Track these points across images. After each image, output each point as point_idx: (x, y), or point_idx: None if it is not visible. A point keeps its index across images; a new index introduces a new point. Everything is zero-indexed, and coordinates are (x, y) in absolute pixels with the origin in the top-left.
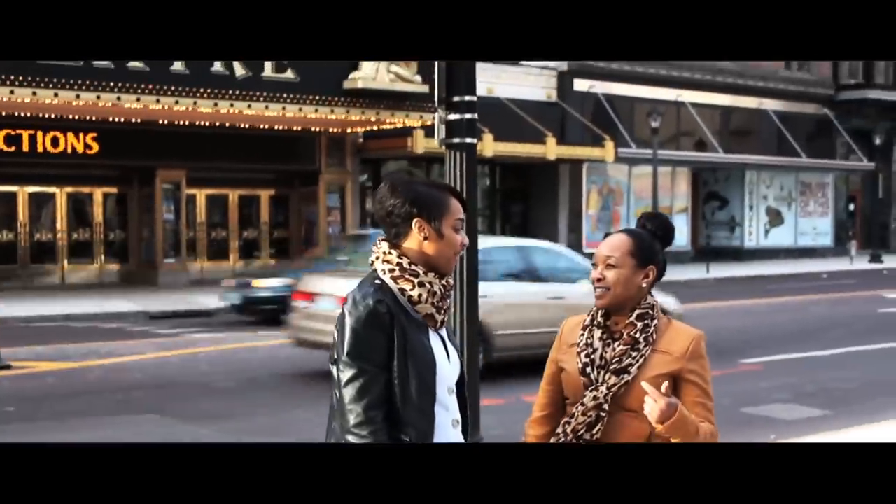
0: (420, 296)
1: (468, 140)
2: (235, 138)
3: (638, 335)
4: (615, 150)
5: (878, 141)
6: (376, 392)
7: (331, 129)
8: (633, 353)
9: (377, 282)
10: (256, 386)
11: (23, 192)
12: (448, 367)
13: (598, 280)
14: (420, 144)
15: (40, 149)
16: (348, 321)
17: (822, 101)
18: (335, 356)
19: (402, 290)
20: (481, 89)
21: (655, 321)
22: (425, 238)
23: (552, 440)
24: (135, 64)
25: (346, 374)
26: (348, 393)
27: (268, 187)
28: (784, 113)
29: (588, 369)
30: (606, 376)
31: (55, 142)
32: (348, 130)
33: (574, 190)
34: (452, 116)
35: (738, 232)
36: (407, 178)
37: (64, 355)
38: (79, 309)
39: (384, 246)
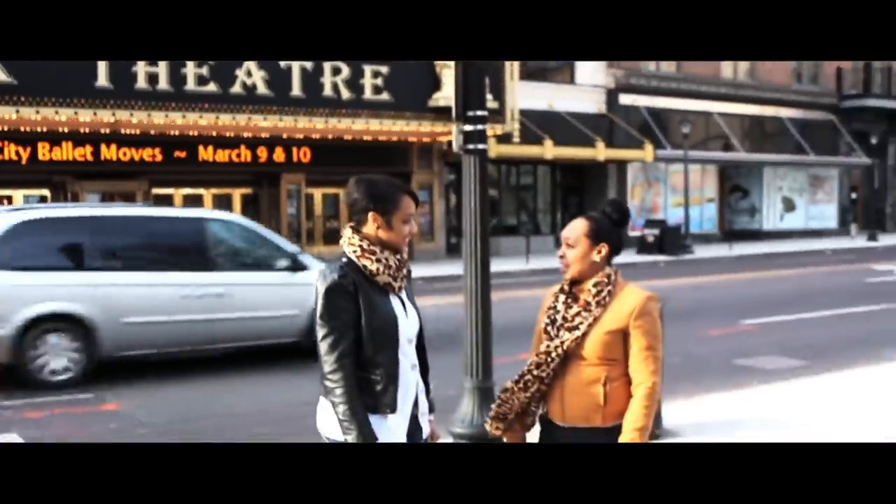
0: (378, 269)
1: (480, 146)
2: (344, 148)
3: (591, 299)
4: (654, 151)
5: (874, 141)
6: (344, 345)
7: (421, 139)
8: (585, 314)
9: (344, 260)
10: None
11: (178, 193)
12: (406, 322)
13: (561, 257)
14: (493, 150)
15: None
16: (319, 291)
17: (828, 109)
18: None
19: (364, 266)
20: (543, 104)
21: (610, 287)
22: (378, 227)
23: (519, 379)
24: (263, 91)
25: (321, 332)
26: (323, 347)
27: None
28: (797, 119)
29: (549, 327)
30: (562, 333)
31: (192, 153)
32: (435, 140)
33: (620, 185)
34: (468, 127)
35: (758, 217)
36: (371, 177)
37: None
38: None
39: (349, 231)
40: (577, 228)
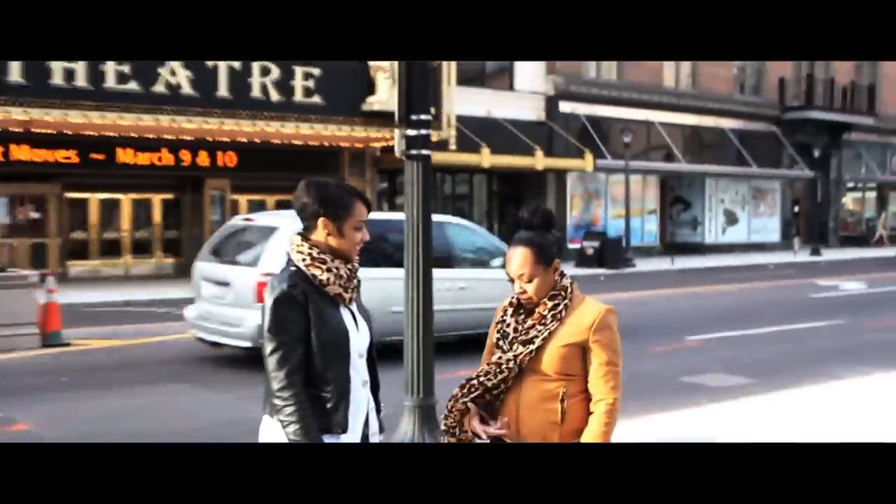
0: (328, 279)
1: (423, 152)
2: (272, 153)
3: (546, 312)
4: (594, 161)
5: (816, 154)
6: (294, 360)
7: (353, 145)
8: (540, 328)
9: (292, 269)
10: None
11: (94, 198)
12: (357, 336)
13: (523, 293)
14: None
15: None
16: (268, 303)
17: (771, 120)
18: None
19: (314, 276)
20: (481, 111)
21: (567, 300)
22: (328, 234)
23: (464, 384)
24: (188, 91)
25: (269, 346)
26: (271, 362)
27: None
28: (739, 130)
29: (501, 341)
30: (516, 346)
31: (110, 154)
32: (367, 145)
33: (560, 195)
34: (411, 132)
35: (700, 230)
36: (322, 180)
37: (116, 335)
38: (137, 296)
39: (297, 239)
40: (525, 261)
